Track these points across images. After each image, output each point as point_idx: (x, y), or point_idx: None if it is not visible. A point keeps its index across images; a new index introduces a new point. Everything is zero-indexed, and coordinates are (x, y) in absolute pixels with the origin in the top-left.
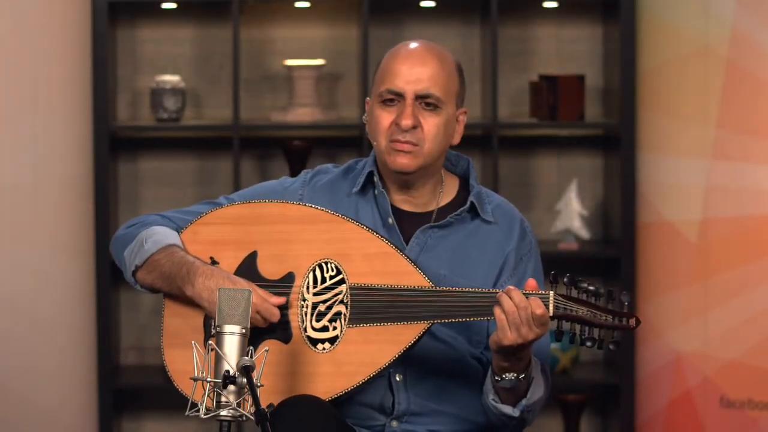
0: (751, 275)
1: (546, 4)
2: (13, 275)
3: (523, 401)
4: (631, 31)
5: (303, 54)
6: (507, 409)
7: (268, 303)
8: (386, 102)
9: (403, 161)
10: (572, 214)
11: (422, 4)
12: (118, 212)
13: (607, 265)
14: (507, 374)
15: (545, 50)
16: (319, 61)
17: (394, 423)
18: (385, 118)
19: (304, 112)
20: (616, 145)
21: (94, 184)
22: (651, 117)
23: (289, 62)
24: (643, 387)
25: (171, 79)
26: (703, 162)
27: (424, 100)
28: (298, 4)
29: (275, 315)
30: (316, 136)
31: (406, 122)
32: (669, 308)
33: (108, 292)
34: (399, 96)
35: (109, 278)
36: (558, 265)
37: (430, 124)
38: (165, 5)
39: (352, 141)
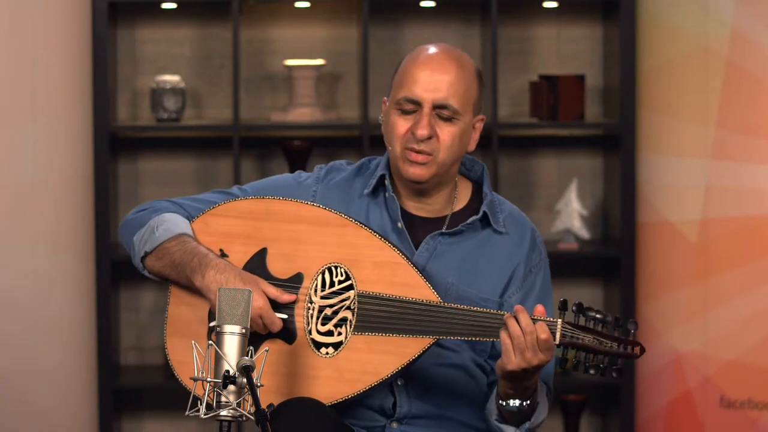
0: (751, 275)
1: (546, 4)
2: (13, 275)
3: (527, 424)
4: (631, 31)
5: (303, 54)
6: (510, 430)
7: (272, 311)
8: (404, 109)
9: (416, 172)
10: (572, 214)
11: (422, 4)
12: (118, 212)
13: (607, 265)
14: (512, 400)
15: (545, 50)
16: (319, 61)
17: (394, 425)
18: (401, 125)
19: (304, 112)
20: (616, 145)
21: (94, 184)
22: (651, 117)
23: (289, 62)
24: (643, 387)
25: (171, 79)
26: (702, 162)
27: (441, 111)
28: (298, 4)
29: (277, 324)
30: (316, 136)
31: (422, 132)
32: (669, 308)
33: (108, 292)
34: (416, 104)
35: (109, 278)
36: (558, 265)
37: (446, 133)
38: (165, 5)
39: (352, 141)
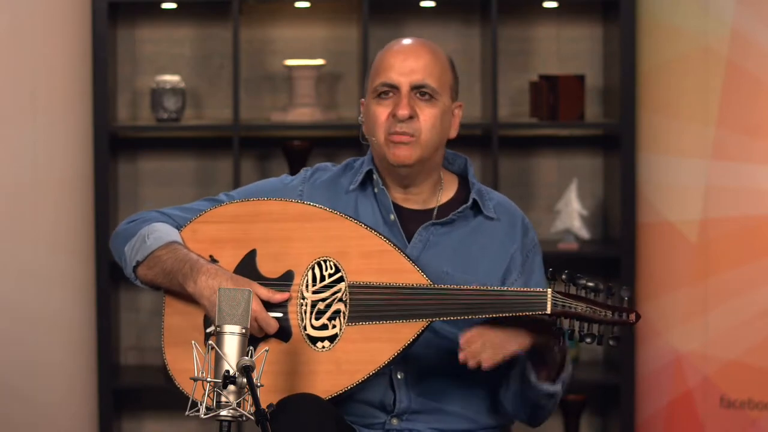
0: (751, 275)
1: (546, 4)
2: (13, 275)
3: (563, 374)
4: (631, 31)
5: (303, 54)
6: (549, 387)
7: (266, 313)
8: (381, 96)
9: (402, 153)
10: (572, 214)
11: (422, 4)
12: (118, 212)
13: (607, 265)
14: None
15: (545, 50)
16: (319, 61)
17: (395, 421)
18: (382, 111)
19: (304, 112)
20: (616, 145)
21: (94, 184)
22: (651, 117)
23: (289, 62)
24: (643, 387)
25: (171, 79)
26: (702, 162)
27: (420, 90)
28: (298, 4)
29: (272, 326)
30: (316, 136)
31: (403, 112)
32: (669, 308)
33: (108, 292)
34: (394, 88)
35: (109, 278)
36: (558, 265)
37: (427, 114)
38: (165, 5)
39: (352, 141)
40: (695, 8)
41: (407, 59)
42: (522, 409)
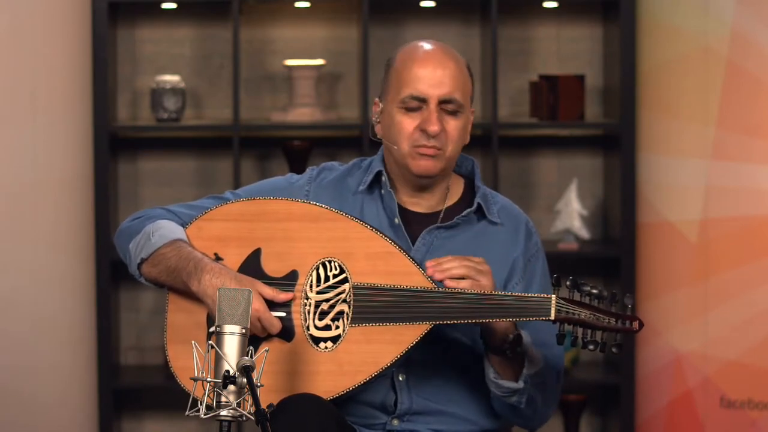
0: (751, 275)
1: (546, 4)
2: (13, 275)
3: (524, 371)
4: (631, 31)
5: (303, 54)
6: (511, 384)
7: (270, 313)
8: (409, 107)
9: (428, 165)
10: (572, 214)
11: (422, 4)
12: (118, 212)
13: (607, 265)
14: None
15: (545, 50)
16: (319, 61)
17: (396, 422)
18: (409, 123)
19: (304, 112)
20: (616, 145)
21: (94, 184)
22: (651, 117)
23: (289, 62)
24: (643, 387)
25: (171, 79)
26: (702, 162)
27: (447, 105)
28: (298, 4)
29: (276, 326)
30: (316, 136)
31: (434, 129)
32: (669, 308)
33: (108, 292)
34: (422, 101)
35: (109, 278)
36: (558, 265)
37: (452, 127)
38: (165, 5)
39: (352, 141)
40: (695, 8)
41: (435, 70)
42: (503, 410)
